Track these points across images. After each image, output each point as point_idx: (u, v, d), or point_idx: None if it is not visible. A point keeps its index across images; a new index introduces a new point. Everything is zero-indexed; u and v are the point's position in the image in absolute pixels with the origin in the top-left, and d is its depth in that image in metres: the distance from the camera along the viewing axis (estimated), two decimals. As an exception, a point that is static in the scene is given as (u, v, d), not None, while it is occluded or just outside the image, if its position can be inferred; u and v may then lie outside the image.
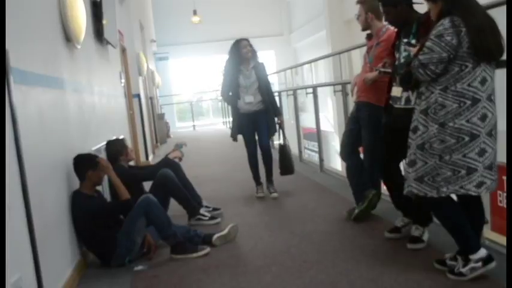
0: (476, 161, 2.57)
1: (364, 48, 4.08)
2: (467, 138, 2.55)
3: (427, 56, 2.55)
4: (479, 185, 2.60)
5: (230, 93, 5.18)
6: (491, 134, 2.58)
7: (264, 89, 5.11)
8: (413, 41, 3.03)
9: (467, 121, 2.54)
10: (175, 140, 13.80)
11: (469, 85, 2.53)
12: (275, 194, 5.13)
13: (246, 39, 5.13)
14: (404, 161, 2.97)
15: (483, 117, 2.54)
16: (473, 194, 2.65)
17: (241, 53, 5.03)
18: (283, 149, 5.34)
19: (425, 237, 3.26)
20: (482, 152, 2.56)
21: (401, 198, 3.46)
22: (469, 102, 2.53)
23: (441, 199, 2.66)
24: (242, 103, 5.10)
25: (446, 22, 2.53)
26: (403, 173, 3.53)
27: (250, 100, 5.07)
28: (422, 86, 2.68)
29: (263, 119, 5.12)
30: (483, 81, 2.54)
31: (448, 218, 2.74)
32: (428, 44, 2.57)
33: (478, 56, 2.52)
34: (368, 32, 3.96)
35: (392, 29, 3.78)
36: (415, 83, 2.76)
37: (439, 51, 2.52)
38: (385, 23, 3.85)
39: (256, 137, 5.20)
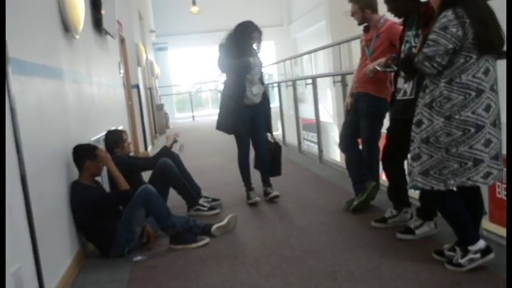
0: (482, 152, 2.56)
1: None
2: (473, 130, 2.54)
3: (433, 48, 2.52)
4: (487, 175, 2.60)
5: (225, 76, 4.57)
6: (495, 124, 2.58)
7: (262, 80, 4.64)
8: (413, 43, 3.04)
9: (473, 112, 2.53)
10: (174, 131, 13.81)
11: (473, 76, 2.52)
12: (276, 192, 4.63)
13: (260, 31, 4.43)
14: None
15: (487, 108, 2.54)
16: (481, 184, 2.66)
17: (248, 42, 4.43)
18: (276, 148, 4.78)
19: (424, 230, 3.26)
20: (487, 143, 2.56)
21: (397, 190, 3.52)
22: (473, 93, 2.52)
23: (443, 190, 2.66)
24: (250, 94, 4.45)
25: (449, 14, 2.51)
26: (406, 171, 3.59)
27: (257, 91, 4.48)
28: (426, 79, 2.66)
29: (262, 112, 4.60)
30: (486, 72, 2.53)
31: (448, 209, 2.74)
32: (432, 36, 2.54)
33: (481, 48, 2.51)
34: (365, 24, 3.95)
35: (391, 20, 3.77)
36: (414, 69, 2.74)
37: (445, 43, 2.50)
38: (382, 14, 3.84)
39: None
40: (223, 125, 4.59)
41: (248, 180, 4.68)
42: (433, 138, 2.61)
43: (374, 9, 3.85)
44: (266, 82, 4.81)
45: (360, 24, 3.96)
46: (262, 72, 4.62)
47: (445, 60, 2.53)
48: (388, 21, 3.81)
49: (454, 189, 2.71)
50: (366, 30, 3.95)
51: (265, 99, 4.63)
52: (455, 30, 2.49)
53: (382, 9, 3.89)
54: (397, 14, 3.27)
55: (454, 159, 2.58)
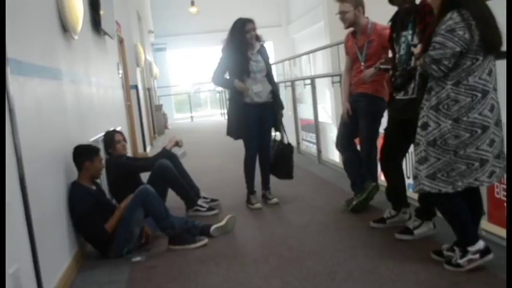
0: (487, 152, 2.57)
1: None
2: (479, 131, 2.54)
3: (440, 51, 2.51)
4: (491, 174, 2.61)
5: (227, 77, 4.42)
6: (497, 123, 2.59)
7: (271, 77, 4.46)
8: (413, 41, 3.05)
9: (480, 114, 2.53)
10: (173, 131, 13.79)
11: (479, 78, 2.52)
12: (275, 199, 4.56)
13: (253, 21, 4.29)
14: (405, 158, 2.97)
15: (492, 108, 2.55)
16: (486, 184, 2.68)
17: (246, 38, 4.27)
18: (287, 149, 4.61)
19: (423, 230, 3.26)
20: (491, 143, 2.57)
21: (396, 191, 3.53)
22: (480, 95, 2.52)
23: (450, 193, 2.64)
24: (250, 92, 4.30)
25: (455, 16, 2.49)
26: (404, 170, 3.59)
27: (259, 89, 4.32)
28: (430, 81, 2.65)
29: (270, 115, 4.43)
30: (490, 73, 2.54)
31: (451, 211, 2.73)
32: (439, 39, 2.52)
33: (486, 50, 2.51)
34: (352, 29, 3.93)
35: (380, 24, 3.77)
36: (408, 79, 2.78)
37: (452, 46, 2.49)
38: (367, 18, 3.83)
39: None
40: (230, 129, 4.47)
41: (251, 183, 4.58)
42: (440, 140, 2.60)
43: (364, 8, 3.85)
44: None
45: (348, 27, 3.91)
46: (269, 69, 4.45)
47: (452, 62, 2.52)
48: (376, 25, 3.81)
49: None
50: (354, 35, 3.95)
51: (275, 98, 4.46)
52: (462, 33, 2.48)
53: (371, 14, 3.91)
54: (392, 2, 3.19)
55: (462, 160, 2.58)
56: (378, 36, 3.75)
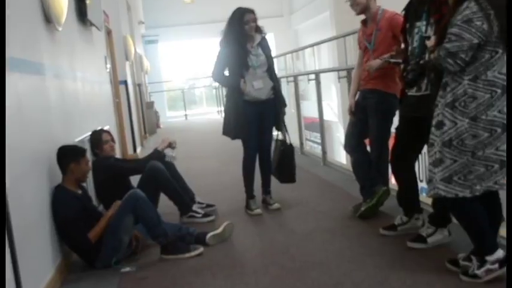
0: None
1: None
2: (499, 130, 2.53)
3: (456, 43, 2.50)
4: None
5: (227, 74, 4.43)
6: None
7: (273, 72, 4.44)
8: (427, 33, 3.04)
9: (499, 111, 2.52)
10: (165, 131, 13.80)
11: (499, 72, 2.52)
12: (277, 205, 4.54)
13: (253, 12, 4.26)
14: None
15: None
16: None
17: (244, 29, 4.25)
18: (288, 150, 4.59)
19: (437, 238, 3.25)
20: None
21: (408, 195, 3.53)
22: (499, 91, 2.52)
23: (468, 197, 2.63)
24: (250, 88, 4.28)
25: (472, 5, 2.49)
26: (417, 173, 3.57)
27: (259, 86, 4.30)
28: (445, 76, 2.64)
29: (271, 112, 4.42)
30: None
31: (468, 217, 2.73)
32: (455, 30, 2.52)
33: (506, 40, 2.50)
34: (363, 17, 3.94)
35: (390, 11, 3.78)
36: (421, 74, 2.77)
37: (469, 37, 2.48)
38: (379, 6, 3.85)
39: None
40: (227, 128, 4.44)
41: (250, 186, 4.57)
42: (457, 141, 2.59)
43: None
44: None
45: (359, 13, 3.93)
46: (271, 64, 4.43)
47: (469, 56, 2.52)
48: (387, 12, 3.81)
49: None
50: (364, 23, 3.96)
51: (277, 95, 4.44)
52: (480, 24, 2.47)
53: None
54: None
55: (481, 162, 2.58)
56: (388, 23, 3.75)
